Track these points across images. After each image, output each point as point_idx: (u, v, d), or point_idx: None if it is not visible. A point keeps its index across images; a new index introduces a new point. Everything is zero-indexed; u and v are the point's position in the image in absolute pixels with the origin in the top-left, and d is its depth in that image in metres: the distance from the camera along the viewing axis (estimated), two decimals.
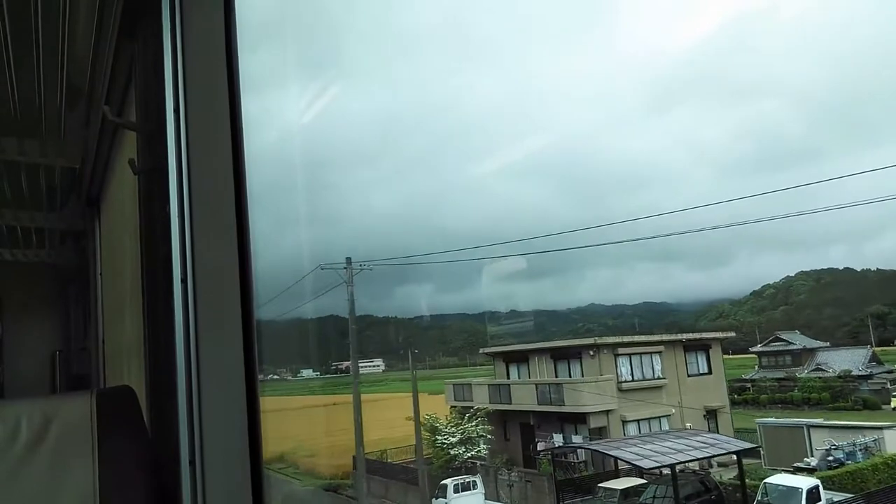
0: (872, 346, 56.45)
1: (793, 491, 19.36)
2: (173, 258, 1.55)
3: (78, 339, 5.33)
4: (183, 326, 1.51)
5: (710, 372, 33.21)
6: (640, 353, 31.16)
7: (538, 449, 28.80)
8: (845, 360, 50.41)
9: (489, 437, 31.37)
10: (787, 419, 32.10)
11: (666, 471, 20.34)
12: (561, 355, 32.87)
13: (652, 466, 20.25)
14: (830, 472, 23.11)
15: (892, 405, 41.59)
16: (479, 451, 30.69)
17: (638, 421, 29.35)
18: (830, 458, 24.83)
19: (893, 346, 68.26)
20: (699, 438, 23.19)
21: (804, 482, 19.99)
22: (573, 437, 29.06)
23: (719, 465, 25.87)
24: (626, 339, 32.20)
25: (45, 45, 2.65)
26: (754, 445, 26.88)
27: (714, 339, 34.80)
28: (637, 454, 20.84)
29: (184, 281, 1.52)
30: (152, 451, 1.61)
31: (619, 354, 30.42)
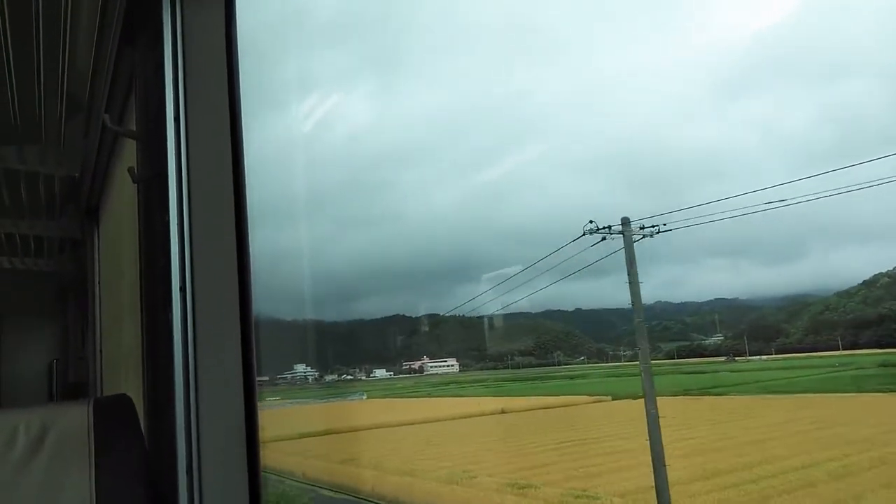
0: None
1: None
2: (172, 267, 1.55)
3: (76, 348, 5.31)
4: (181, 335, 1.50)
5: None
6: None
7: None
8: None
9: None
10: None
11: None
12: None
13: None
14: None
15: None
16: None
17: None
18: None
19: None
20: None
21: None
22: None
23: None
24: None
25: (45, 54, 2.66)
26: None
27: None
28: None
29: (182, 290, 1.52)
30: (150, 460, 1.60)
31: None
